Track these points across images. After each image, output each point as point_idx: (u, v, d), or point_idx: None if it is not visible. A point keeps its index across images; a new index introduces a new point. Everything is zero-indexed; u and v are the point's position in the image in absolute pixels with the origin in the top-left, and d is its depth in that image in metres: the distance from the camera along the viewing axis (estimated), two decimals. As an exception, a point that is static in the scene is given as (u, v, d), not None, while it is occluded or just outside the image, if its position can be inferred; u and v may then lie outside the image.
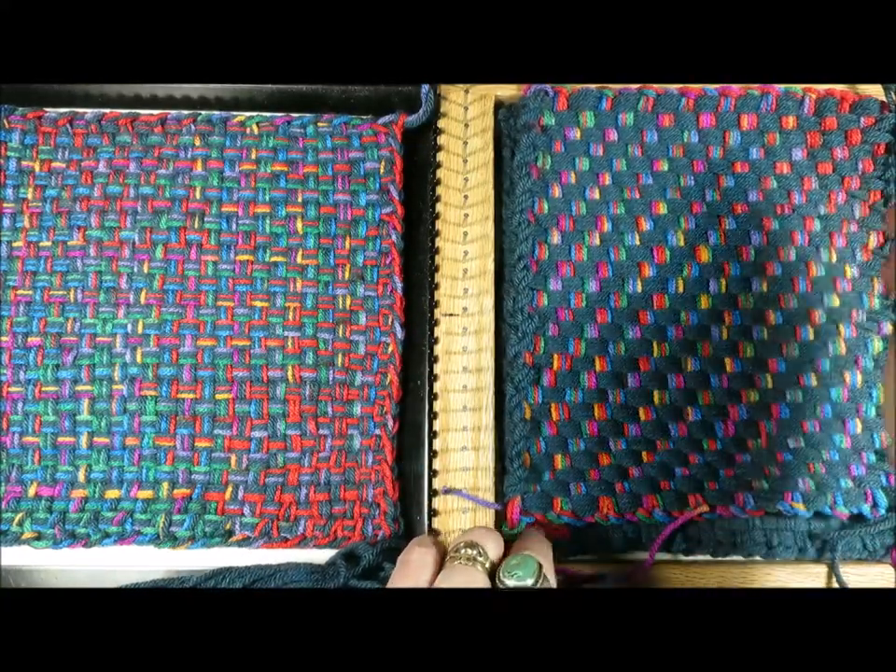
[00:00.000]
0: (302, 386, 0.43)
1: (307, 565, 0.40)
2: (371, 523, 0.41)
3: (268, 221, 0.45)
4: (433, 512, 0.42)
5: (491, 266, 0.44)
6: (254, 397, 0.43)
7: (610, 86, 0.46)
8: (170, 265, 0.44)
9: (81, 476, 0.41)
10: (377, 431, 0.43)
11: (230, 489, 0.42)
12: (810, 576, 0.41)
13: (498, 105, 0.47)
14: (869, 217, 0.45)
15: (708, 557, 0.41)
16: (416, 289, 0.45)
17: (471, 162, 0.46)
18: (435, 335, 0.44)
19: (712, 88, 0.45)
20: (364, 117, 0.47)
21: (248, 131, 0.46)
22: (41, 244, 0.44)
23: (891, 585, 0.40)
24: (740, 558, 0.41)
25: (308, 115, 0.46)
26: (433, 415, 0.43)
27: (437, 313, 0.44)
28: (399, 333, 0.43)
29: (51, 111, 0.45)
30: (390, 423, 0.42)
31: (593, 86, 0.46)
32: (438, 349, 0.43)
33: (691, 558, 0.42)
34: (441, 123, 0.46)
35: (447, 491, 0.42)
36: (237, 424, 0.42)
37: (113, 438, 0.42)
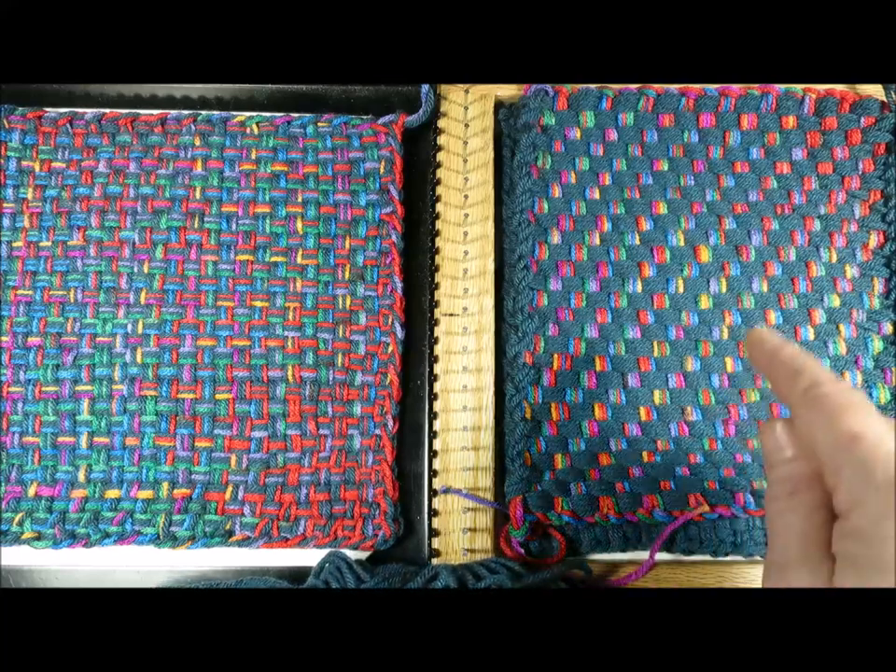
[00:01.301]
0: (302, 386, 0.43)
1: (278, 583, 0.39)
2: (371, 523, 0.41)
3: (268, 221, 0.45)
4: (433, 512, 0.42)
5: (491, 266, 0.44)
6: (254, 397, 0.43)
7: (610, 86, 0.46)
8: (170, 265, 0.44)
9: (81, 476, 0.41)
10: (377, 431, 0.43)
11: (230, 489, 0.42)
12: (810, 576, 0.41)
13: (498, 105, 0.47)
14: (869, 216, 0.45)
15: (708, 557, 0.41)
16: (416, 289, 0.45)
17: (471, 162, 0.46)
18: (435, 335, 0.44)
19: (712, 88, 0.45)
20: (364, 117, 0.47)
21: (248, 131, 0.46)
22: (41, 244, 0.44)
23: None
24: (740, 558, 0.41)
25: (308, 115, 0.46)
26: (433, 415, 0.43)
27: (437, 313, 0.44)
28: (399, 333, 0.43)
29: (51, 111, 0.45)
30: (390, 423, 0.42)
31: (593, 86, 0.46)
32: (438, 349, 0.43)
33: (691, 558, 0.42)
34: (441, 123, 0.46)
35: (447, 491, 0.42)
36: (237, 424, 0.42)
37: (113, 438, 0.42)
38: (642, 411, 0.42)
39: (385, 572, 0.39)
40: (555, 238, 0.45)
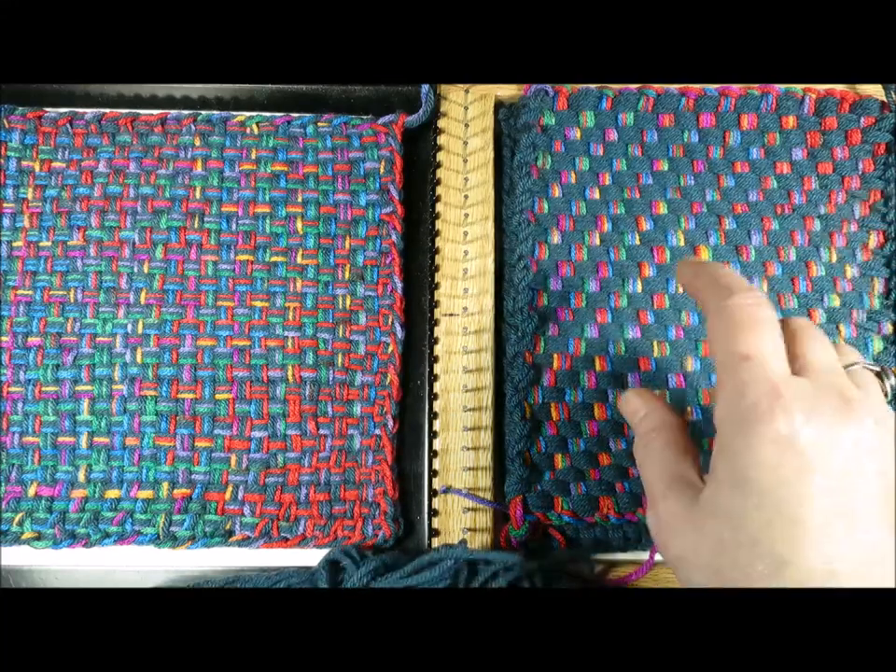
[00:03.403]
0: (302, 386, 0.43)
1: (298, 570, 0.40)
2: (371, 523, 0.41)
3: (268, 221, 0.45)
4: (433, 512, 0.42)
5: (491, 266, 0.44)
6: (254, 397, 0.43)
7: (610, 86, 0.46)
8: (170, 265, 0.44)
9: (81, 476, 0.41)
10: (377, 431, 0.43)
11: (230, 489, 0.42)
12: (810, 576, 0.40)
13: (498, 105, 0.47)
14: (869, 216, 0.45)
15: (708, 557, 0.41)
16: (416, 289, 0.45)
17: (471, 162, 0.46)
18: (435, 335, 0.44)
19: (712, 88, 0.45)
20: (364, 117, 0.47)
21: (248, 131, 0.46)
22: (41, 244, 0.44)
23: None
24: (740, 558, 0.41)
25: (308, 115, 0.46)
26: (433, 415, 0.43)
27: (437, 313, 0.44)
28: (399, 333, 0.43)
29: (51, 111, 0.45)
30: (390, 423, 0.42)
31: (593, 86, 0.46)
32: (438, 349, 0.43)
33: (691, 558, 0.42)
34: (441, 123, 0.46)
35: (447, 491, 0.42)
36: (237, 424, 0.42)
37: (113, 438, 0.42)
38: (642, 411, 0.42)
39: (386, 556, 0.39)
40: (555, 238, 0.45)
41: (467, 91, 0.46)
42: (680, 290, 0.44)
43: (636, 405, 0.33)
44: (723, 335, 0.29)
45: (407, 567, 0.38)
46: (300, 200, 0.45)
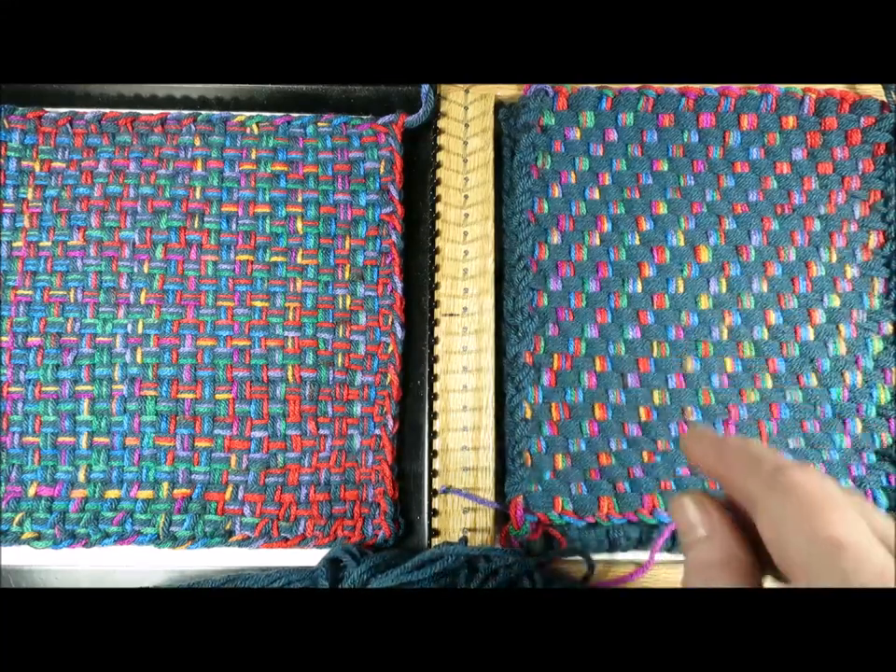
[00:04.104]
0: (302, 386, 0.43)
1: (298, 569, 0.40)
2: (370, 523, 0.41)
3: (268, 221, 0.45)
4: (433, 512, 0.42)
5: (491, 266, 0.44)
6: (254, 397, 0.43)
7: (610, 86, 0.46)
8: (170, 265, 0.44)
9: (81, 476, 0.41)
10: (377, 431, 0.43)
11: (230, 489, 0.42)
12: (810, 576, 0.40)
13: (498, 105, 0.47)
14: (869, 216, 0.45)
15: (709, 557, 0.41)
16: (416, 289, 0.45)
17: (471, 162, 0.46)
18: (435, 335, 0.44)
19: (712, 88, 0.45)
20: (364, 117, 0.47)
21: (248, 131, 0.46)
22: (41, 244, 0.44)
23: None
24: (740, 558, 0.41)
25: (308, 115, 0.46)
26: (433, 415, 0.43)
27: (437, 313, 0.44)
28: (399, 333, 0.43)
29: (51, 111, 0.45)
30: (390, 423, 0.42)
31: (593, 86, 0.46)
32: (438, 349, 0.43)
33: (691, 558, 0.42)
34: (441, 123, 0.46)
35: (447, 491, 0.42)
36: (237, 424, 0.42)
37: (113, 438, 0.42)
38: (642, 411, 0.42)
39: (387, 554, 0.39)
40: (555, 238, 0.45)
41: (467, 91, 0.46)
42: (682, 290, 0.44)
43: (693, 518, 0.27)
44: (799, 517, 0.25)
45: (408, 564, 0.38)
46: (300, 200, 0.45)
